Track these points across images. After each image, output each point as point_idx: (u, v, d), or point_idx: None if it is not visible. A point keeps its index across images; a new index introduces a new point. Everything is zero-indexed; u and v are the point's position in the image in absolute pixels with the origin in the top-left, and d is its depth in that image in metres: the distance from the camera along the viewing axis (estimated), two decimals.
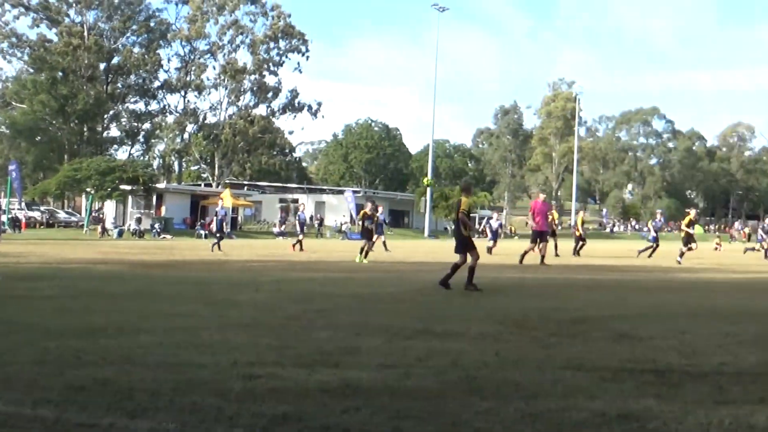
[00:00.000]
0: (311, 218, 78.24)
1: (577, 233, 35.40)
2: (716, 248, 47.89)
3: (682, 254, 29.28)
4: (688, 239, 29.12)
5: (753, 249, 40.18)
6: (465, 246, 15.11)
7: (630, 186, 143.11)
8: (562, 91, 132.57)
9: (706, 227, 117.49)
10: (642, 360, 7.39)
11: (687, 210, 31.74)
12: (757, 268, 26.67)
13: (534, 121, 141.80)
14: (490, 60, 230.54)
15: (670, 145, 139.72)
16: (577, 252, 33.78)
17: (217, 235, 32.90)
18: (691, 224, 29.30)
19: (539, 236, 25.97)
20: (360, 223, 28.11)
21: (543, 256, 25.74)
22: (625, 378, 6.50)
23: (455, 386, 6.11)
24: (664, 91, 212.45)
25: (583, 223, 36.37)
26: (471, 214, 15.50)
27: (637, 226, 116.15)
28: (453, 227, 15.72)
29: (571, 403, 5.54)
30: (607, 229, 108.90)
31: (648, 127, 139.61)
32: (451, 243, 16.37)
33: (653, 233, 35.29)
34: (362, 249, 26.50)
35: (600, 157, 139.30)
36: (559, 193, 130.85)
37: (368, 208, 27.66)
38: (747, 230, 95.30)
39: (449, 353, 7.60)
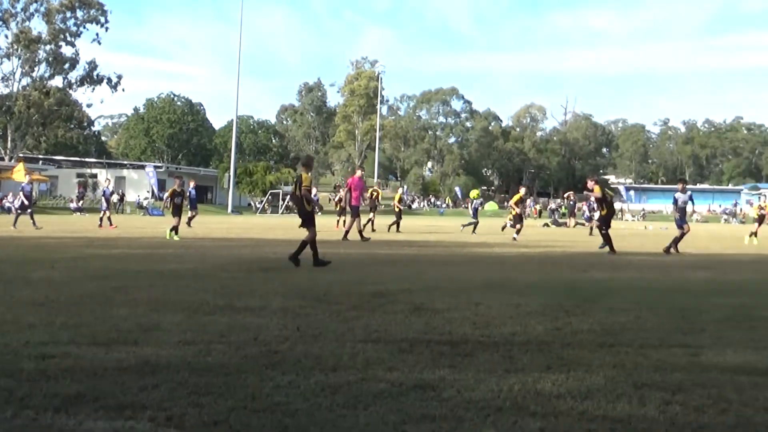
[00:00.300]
0: (111, 193, 75.90)
1: (397, 209, 36.49)
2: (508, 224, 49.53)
3: (511, 226, 30.16)
4: (518, 218, 29.54)
5: (564, 224, 41.37)
6: (307, 221, 15.35)
7: (429, 163, 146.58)
8: (365, 70, 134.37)
9: (502, 204, 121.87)
10: (438, 331, 7.61)
11: (520, 187, 32.47)
12: (546, 243, 27.90)
13: (337, 99, 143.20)
14: (294, 37, 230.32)
15: (468, 124, 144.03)
16: (397, 228, 34.46)
17: (28, 210, 31.81)
18: (521, 202, 29.75)
19: (354, 211, 26.29)
20: (169, 200, 27.32)
21: (348, 231, 26.01)
22: (422, 349, 6.66)
23: (256, 361, 6.09)
24: (462, 72, 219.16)
25: (400, 200, 37.48)
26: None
27: (437, 203, 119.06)
28: (294, 203, 15.77)
29: (370, 375, 5.63)
30: (407, 206, 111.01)
31: (447, 107, 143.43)
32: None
33: (473, 211, 36.65)
34: (174, 227, 25.75)
35: (401, 135, 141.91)
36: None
37: (176, 184, 27.04)
38: (538, 207, 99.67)
39: (250, 328, 7.57)
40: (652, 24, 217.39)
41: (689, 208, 22.99)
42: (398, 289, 11.21)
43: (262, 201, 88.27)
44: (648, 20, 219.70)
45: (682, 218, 22.85)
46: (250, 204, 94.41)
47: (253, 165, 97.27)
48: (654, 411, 4.85)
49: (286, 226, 40.86)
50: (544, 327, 7.97)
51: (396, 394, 5.11)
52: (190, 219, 35.84)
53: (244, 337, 7.10)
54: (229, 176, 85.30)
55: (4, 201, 59.84)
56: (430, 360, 6.21)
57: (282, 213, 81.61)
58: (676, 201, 22.84)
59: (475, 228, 35.05)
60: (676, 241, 22.31)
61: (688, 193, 22.96)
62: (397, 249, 22.18)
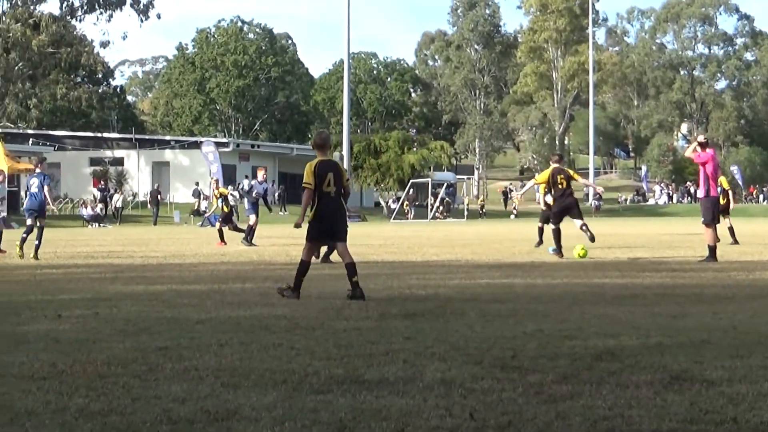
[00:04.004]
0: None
1: None
2: None
3: None
4: None
5: None
6: None
7: (684, 126, 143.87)
8: None
9: None
10: None
11: None
12: None
13: (518, 19, 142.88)
14: None
15: (748, 56, 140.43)
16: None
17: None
18: None
19: None
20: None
21: None
22: None
23: None
24: None
25: None
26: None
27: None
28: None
29: None
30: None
31: (709, 27, 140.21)
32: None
33: None
34: None
35: (632, 80, 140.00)
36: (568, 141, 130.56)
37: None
38: None
39: (389, 416, 7.61)
40: None
41: None
42: None
43: (397, 198, 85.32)
44: None
45: None
46: (378, 203, 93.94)
47: (381, 136, 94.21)
48: None
49: (467, 237, 40.82)
50: None
51: None
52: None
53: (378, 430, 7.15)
54: (342, 157, 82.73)
55: None
56: None
57: (442, 216, 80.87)
58: None
59: None
60: None
61: None
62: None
